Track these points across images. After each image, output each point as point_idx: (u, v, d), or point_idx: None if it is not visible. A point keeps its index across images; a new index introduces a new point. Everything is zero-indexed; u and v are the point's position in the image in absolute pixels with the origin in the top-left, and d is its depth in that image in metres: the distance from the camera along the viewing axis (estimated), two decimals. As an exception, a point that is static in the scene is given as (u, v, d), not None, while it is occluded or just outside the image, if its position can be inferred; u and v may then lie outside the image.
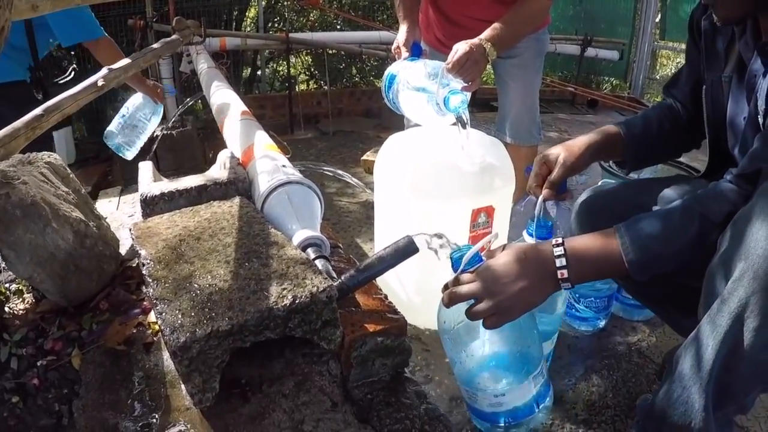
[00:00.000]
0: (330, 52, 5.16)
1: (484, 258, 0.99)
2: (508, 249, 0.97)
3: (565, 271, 0.92)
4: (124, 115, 2.69)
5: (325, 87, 5.08)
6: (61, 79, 2.74)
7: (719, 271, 0.88)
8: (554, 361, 1.53)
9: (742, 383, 0.88)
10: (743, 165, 0.97)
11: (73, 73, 2.78)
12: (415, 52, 1.69)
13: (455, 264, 0.99)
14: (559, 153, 1.24)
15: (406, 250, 1.07)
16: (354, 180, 1.92)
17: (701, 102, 1.21)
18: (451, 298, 0.96)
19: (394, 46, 1.76)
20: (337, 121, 4.67)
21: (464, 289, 0.95)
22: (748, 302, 0.83)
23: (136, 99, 2.71)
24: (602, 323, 1.68)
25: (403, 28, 1.78)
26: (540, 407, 1.08)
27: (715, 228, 0.93)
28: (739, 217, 0.88)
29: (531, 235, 1.25)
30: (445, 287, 0.99)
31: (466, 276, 0.96)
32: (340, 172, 1.87)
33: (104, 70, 1.76)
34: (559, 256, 0.93)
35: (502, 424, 1.10)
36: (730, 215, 0.91)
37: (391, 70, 1.62)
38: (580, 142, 1.28)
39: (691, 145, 1.37)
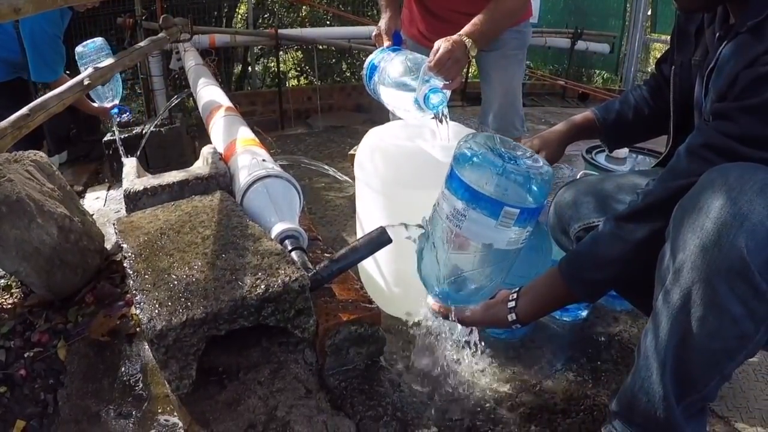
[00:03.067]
0: (320, 47, 5.17)
1: None
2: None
3: (518, 324, 1.12)
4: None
5: (316, 83, 5.10)
6: None
7: (664, 261, 0.91)
8: (534, 350, 1.55)
9: (698, 373, 0.91)
10: (662, 186, 1.01)
11: None
12: (396, 41, 1.72)
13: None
14: (538, 147, 1.40)
15: (379, 240, 1.10)
16: (337, 173, 1.94)
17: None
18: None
19: (375, 32, 1.79)
20: (327, 116, 4.69)
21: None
22: (690, 292, 0.86)
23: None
24: (584, 313, 1.69)
25: (384, 17, 1.80)
26: None
27: (637, 246, 0.99)
28: (679, 206, 0.90)
29: None
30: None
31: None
32: (324, 166, 1.89)
33: (90, 69, 1.79)
34: (512, 322, 1.12)
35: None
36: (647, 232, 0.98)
37: (372, 58, 1.64)
38: (557, 134, 1.42)
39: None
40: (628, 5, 5.96)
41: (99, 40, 2.43)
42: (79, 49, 2.46)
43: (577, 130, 1.43)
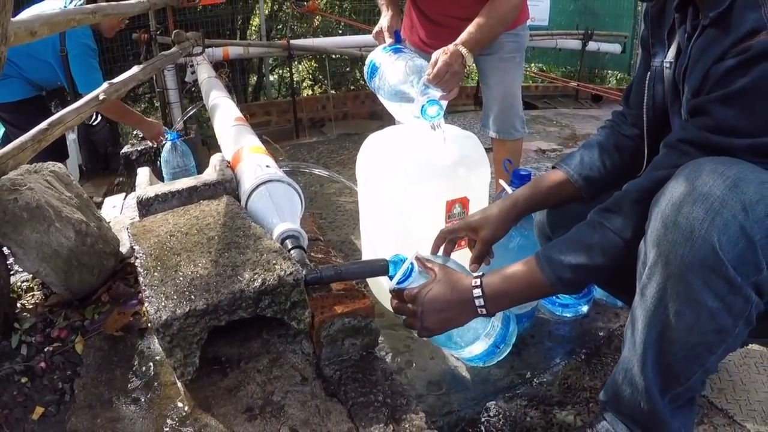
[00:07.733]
0: (333, 56, 5.26)
1: (416, 267, 1.13)
2: (439, 280, 1.09)
3: (483, 309, 1.06)
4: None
5: (330, 91, 5.19)
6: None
7: (641, 255, 0.93)
8: (533, 345, 1.57)
9: (680, 366, 0.91)
10: (645, 176, 1.00)
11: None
12: (397, 39, 1.75)
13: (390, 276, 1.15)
14: (478, 227, 1.25)
15: (380, 269, 1.17)
16: (337, 176, 2.01)
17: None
18: (394, 310, 1.13)
19: (377, 29, 1.83)
20: (341, 124, 4.78)
21: (401, 308, 1.11)
22: (665, 287, 0.87)
23: (163, 157, 2.87)
24: (585, 309, 1.71)
25: (386, 15, 1.85)
26: (501, 346, 1.33)
27: (616, 235, 0.99)
28: (654, 201, 0.91)
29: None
30: (391, 292, 1.14)
31: (406, 294, 1.10)
32: (326, 172, 1.97)
33: (105, 84, 1.88)
34: (477, 297, 1.05)
35: (472, 363, 1.45)
36: (628, 224, 0.98)
37: (373, 58, 1.66)
38: (505, 208, 1.25)
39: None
40: (638, 4, 5.94)
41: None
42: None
43: (538, 200, 1.27)
